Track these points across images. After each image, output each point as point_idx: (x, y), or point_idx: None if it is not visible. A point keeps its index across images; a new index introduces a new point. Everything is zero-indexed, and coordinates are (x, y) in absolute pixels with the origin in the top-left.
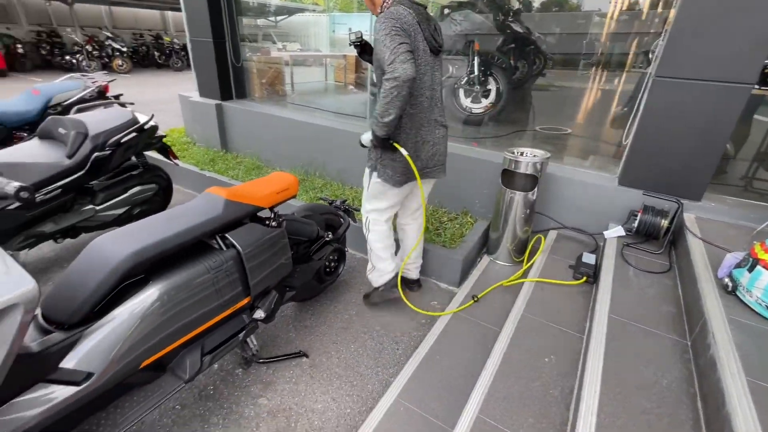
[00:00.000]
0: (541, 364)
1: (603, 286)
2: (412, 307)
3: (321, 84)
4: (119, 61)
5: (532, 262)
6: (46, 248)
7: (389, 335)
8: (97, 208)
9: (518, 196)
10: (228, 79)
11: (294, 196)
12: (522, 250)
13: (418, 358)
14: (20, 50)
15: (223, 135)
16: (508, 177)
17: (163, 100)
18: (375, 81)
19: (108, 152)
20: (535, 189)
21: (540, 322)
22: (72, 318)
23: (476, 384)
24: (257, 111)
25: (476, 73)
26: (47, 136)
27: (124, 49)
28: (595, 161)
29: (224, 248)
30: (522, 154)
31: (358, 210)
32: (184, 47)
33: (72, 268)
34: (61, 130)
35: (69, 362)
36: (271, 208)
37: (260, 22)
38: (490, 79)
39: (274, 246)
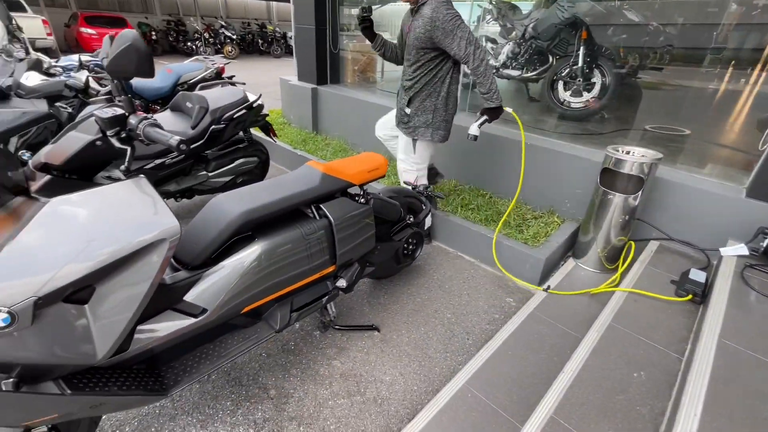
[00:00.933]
0: (627, 379)
1: (714, 308)
2: (504, 272)
3: None
4: (229, 48)
5: (623, 269)
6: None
7: (460, 324)
8: (210, 174)
9: (618, 199)
10: (325, 65)
11: (383, 176)
12: (615, 257)
13: (490, 350)
14: (154, 37)
15: (316, 117)
16: (609, 177)
17: (264, 83)
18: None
19: (223, 126)
20: (639, 193)
21: (630, 335)
22: (195, 261)
23: (552, 386)
24: (349, 96)
25: (580, 64)
26: (177, 109)
27: (234, 37)
28: (717, 168)
29: (317, 218)
30: (628, 152)
31: (442, 197)
32: (284, 36)
33: (196, 220)
34: (188, 104)
35: (190, 297)
36: (361, 186)
37: (354, 11)
38: (596, 71)
39: (361, 221)
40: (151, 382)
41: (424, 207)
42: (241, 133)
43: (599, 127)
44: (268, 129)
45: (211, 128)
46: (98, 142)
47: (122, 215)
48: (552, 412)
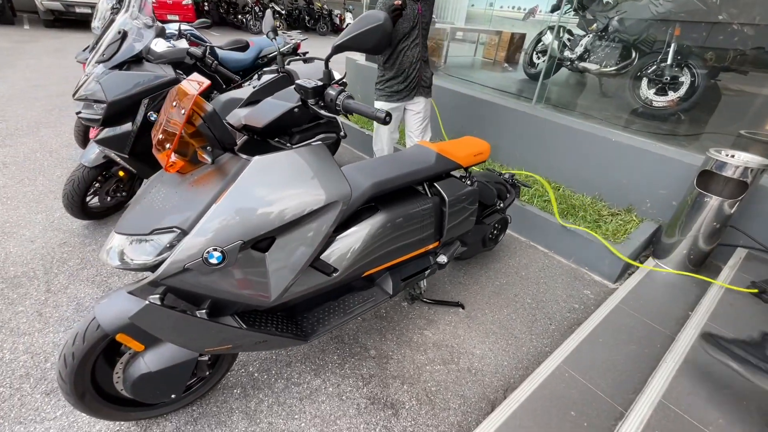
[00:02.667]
0: (731, 374)
1: None
2: (611, 249)
3: (470, 59)
4: (277, 23)
5: (710, 274)
6: None
7: (541, 310)
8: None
9: (715, 202)
10: None
11: (485, 161)
12: (700, 261)
13: (581, 335)
14: (206, 8)
15: None
16: (707, 179)
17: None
18: (530, 60)
19: None
20: (741, 198)
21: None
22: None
23: (655, 373)
24: None
25: (670, 62)
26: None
27: (283, 12)
28: None
29: (429, 195)
30: (732, 156)
31: (528, 186)
32: (330, 13)
33: None
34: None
35: (324, 257)
36: (466, 168)
37: None
38: (686, 69)
39: (467, 202)
40: (294, 328)
41: (509, 195)
42: None
43: (685, 128)
44: None
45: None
46: (296, 110)
47: (307, 177)
48: (661, 396)
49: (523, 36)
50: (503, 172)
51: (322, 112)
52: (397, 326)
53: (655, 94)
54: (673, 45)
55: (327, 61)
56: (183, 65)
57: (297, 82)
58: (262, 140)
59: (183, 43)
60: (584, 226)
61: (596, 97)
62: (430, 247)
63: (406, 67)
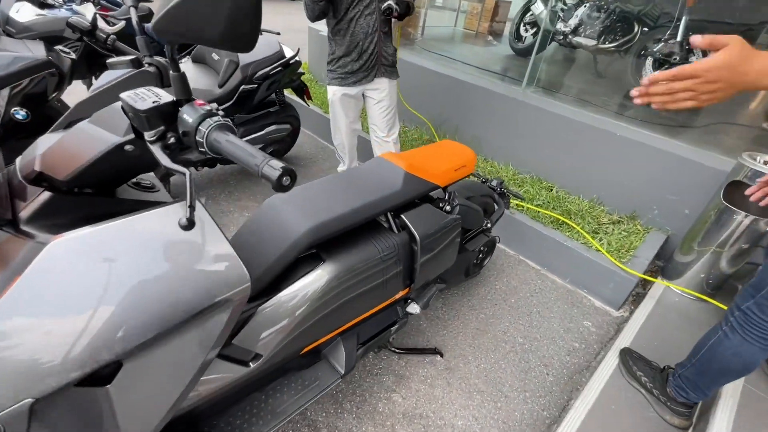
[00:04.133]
0: None
1: None
2: (613, 260)
3: (450, 30)
4: None
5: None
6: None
7: (535, 353)
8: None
9: (746, 220)
10: None
11: (468, 176)
12: (720, 284)
13: (586, 403)
14: None
15: None
16: (735, 191)
17: (281, 29)
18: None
19: (254, 86)
20: None
21: None
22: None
23: None
24: None
25: (680, 38)
26: (200, 60)
27: None
28: None
29: (396, 230)
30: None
31: (521, 197)
32: None
33: (244, 234)
34: (215, 56)
35: (240, 339)
36: (445, 188)
37: None
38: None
39: (447, 235)
40: None
41: (497, 207)
42: (273, 95)
43: (695, 119)
44: (302, 90)
45: (240, 88)
46: (128, 147)
47: (165, 263)
48: None
49: (508, 4)
50: (488, 177)
51: (164, 160)
52: (358, 388)
53: None
54: (684, 18)
55: (173, 58)
56: (66, 41)
57: (122, 96)
58: (90, 193)
59: (89, 8)
60: (581, 239)
61: (593, 79)
62: (398, 296)
63: (360, 39)
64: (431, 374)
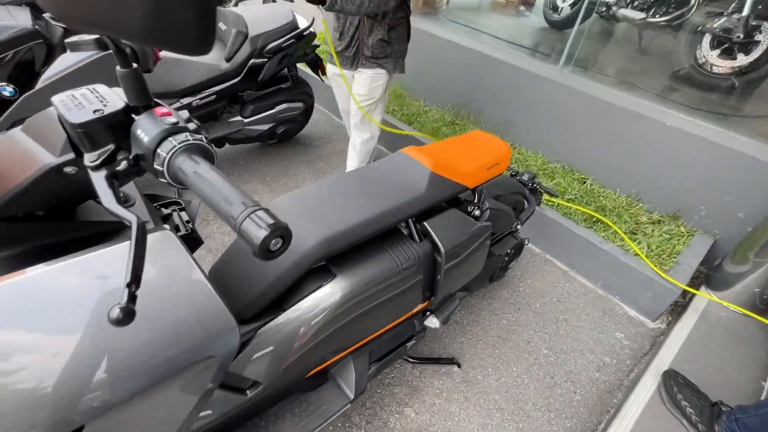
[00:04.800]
0: None
1: None
2: (652, 266)
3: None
4: None
5: None
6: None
7: (561, 366)
8: (245, 120)
9: None
10: None
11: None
12: None
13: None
14: None
15: None
16: None
17: None
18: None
19: (265, 60)
20: None
21: None
22: (243, 312)
23: None
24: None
25: (747, 12)
26: None
27: None
28: None
29: (418, 238)
30: None
31: (555, 194)
32: None
33: (239, 249)
34: (222, 26)
35: (236, 365)
36: (474, 189)
37: None
38: (766, 25)
39: (475, 244)
40: None
41: (527, 204)
42: (285, 70)
43: (758, 107)
44: (317, 65)
45: (250, 62)
46: (69, 169)
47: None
48: None
49: None
50: (518, 170)
51: (107, 199)
52: (369, 400)
53: (719, 56)
54: None
55: (118, 48)
56: None
57: (54, 101)
58: (41, 216)
59: None
60: (617, 239)
61: (639, 58)
62: (416, 310)
63: (343, 21)
64: (447, 387)
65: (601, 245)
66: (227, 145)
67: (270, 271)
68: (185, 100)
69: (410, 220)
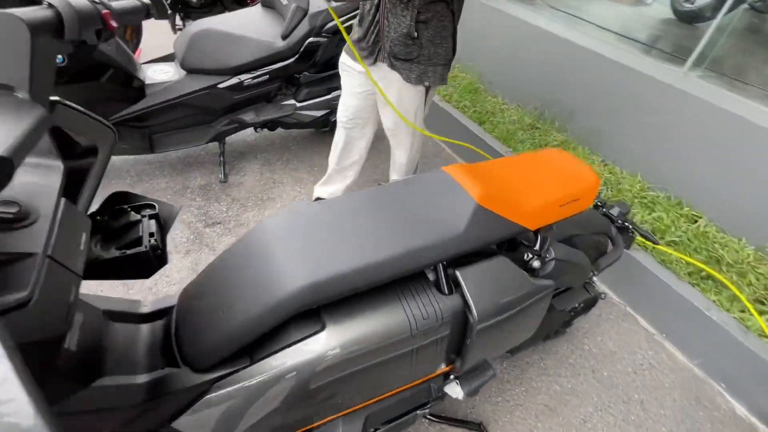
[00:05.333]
0: None
1: None
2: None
3: None
4: None
5: None
6: (248, 132)
7: None
8: (298, 105)
9: None
10: None
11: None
12: None
13: None
14: None
15: None
16: None
17: None
18: None
19: (324, 39)
20: None
21: None
22: (203, 358)
23: None
24: (494, 7)
25: None
26: (269, 4)
27: None
28: None
29: (446, 289)
30: None
31: (652, 240)
32: None
33: (219, 270)
34: (283, 0)
35: (184, 423)
36: (537, 232)
37: None
38: None
39: (525, 305)
40: None
41: (611, 244)
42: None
43: None
44: None
45: (307, 41)
46: None
47: None
48: None
49: None
50: (605, 200)
51: None
52: None
53: None
54: None
55: None
56: None
57: None
58: None
59: None
60: (734, 307)
61: None
62: (438, 373)
63: (364, 11)
64: None
65: (708, 312)
66: (280, 129)
67: (239, 310)
68: (235, 78)
69: (440, 265)
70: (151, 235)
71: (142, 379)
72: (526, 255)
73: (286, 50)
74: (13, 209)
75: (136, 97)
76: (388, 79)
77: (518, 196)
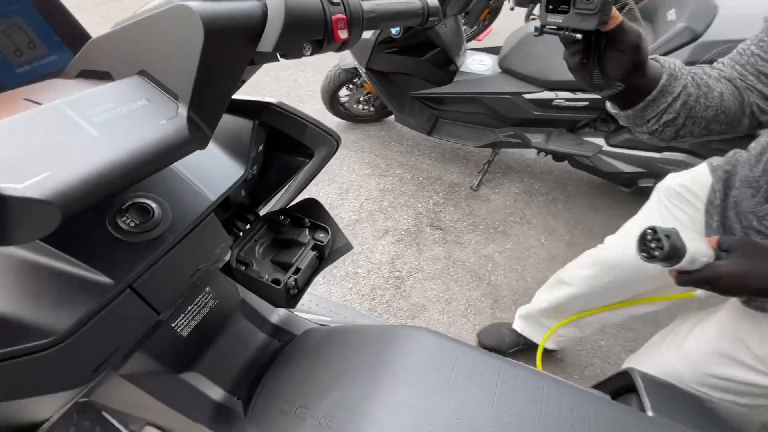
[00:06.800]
0: None
1: None
2: None
3: None
4: None
5: None
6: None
7: None
8: (605, 148)
9: None
10: None
11: None
12: None
13: None
14: None
15: None
16: None
17: None
18: None
19: None
20: None
21: None
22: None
23: None
24: None
25: None
26: (647, 17)
27: None
28: None
29: None
30: None
31: None
32: None
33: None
34: (670, 15)
35: None
36: None
37: None
38: None
39: None
40: None
41: None
42: None
43: None
44: None
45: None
46: None
47: None
48: None
49: None
50: None
51: None
52: None
53: None
54: None
55: None
56: None
57: None
58: None
59: None
60: None
61: None
62: None
63: None
64: None
65: None
66: (566, 163)
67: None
68: (549, 94)
69: None
70: (297, 271)
71: None
72: None
73: None
74: (142, 218)
75: (444, 80)
76: None
77: None
